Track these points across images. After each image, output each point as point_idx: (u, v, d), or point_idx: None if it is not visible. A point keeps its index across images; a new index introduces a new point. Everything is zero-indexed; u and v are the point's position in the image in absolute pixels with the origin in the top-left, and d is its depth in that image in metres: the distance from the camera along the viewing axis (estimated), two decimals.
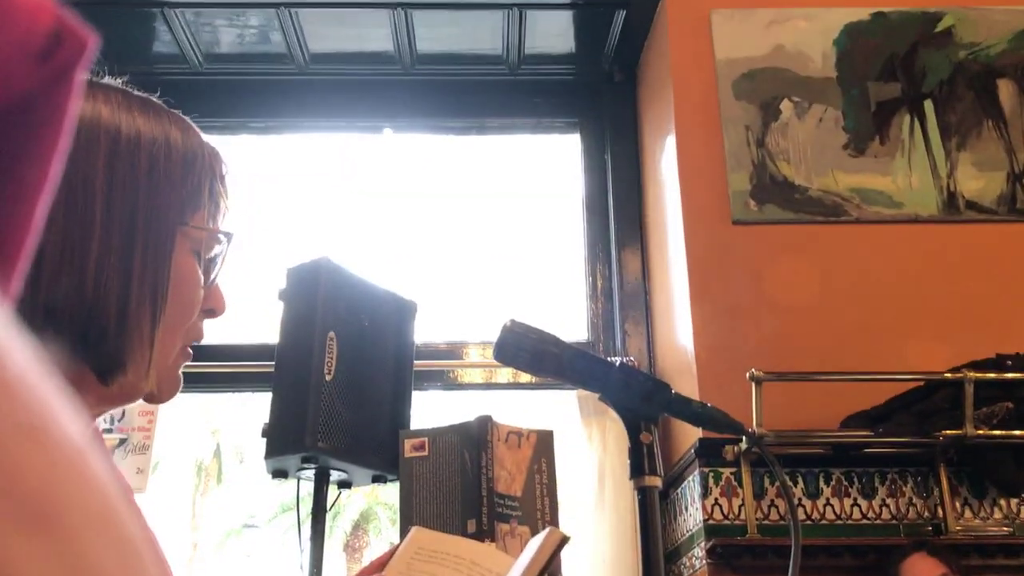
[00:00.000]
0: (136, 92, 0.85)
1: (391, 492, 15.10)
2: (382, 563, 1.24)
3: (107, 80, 0.85)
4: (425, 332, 2.26)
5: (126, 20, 2.58)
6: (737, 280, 2.13)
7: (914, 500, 1.92)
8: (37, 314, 0.74)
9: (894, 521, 1.91)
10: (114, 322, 0.76)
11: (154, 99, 0.85)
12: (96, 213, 0.77)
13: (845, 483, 1.94)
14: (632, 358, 2.43)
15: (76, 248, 0.75)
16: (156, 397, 0.84)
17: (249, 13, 2.57)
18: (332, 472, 1.81)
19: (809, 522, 1.90)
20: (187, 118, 0.87)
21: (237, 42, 2.68)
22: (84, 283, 0.75)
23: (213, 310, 0.88)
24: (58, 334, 0.75)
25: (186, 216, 0.82)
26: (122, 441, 2.28)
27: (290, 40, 2.64)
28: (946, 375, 1.85)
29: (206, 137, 0.88)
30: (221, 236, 0.86)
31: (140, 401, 0.85)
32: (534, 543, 1.15)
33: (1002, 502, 1.93)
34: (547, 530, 1.14)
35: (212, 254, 0.86)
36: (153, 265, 0.79)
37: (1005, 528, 1.89)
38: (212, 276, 0.87)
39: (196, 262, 0.84)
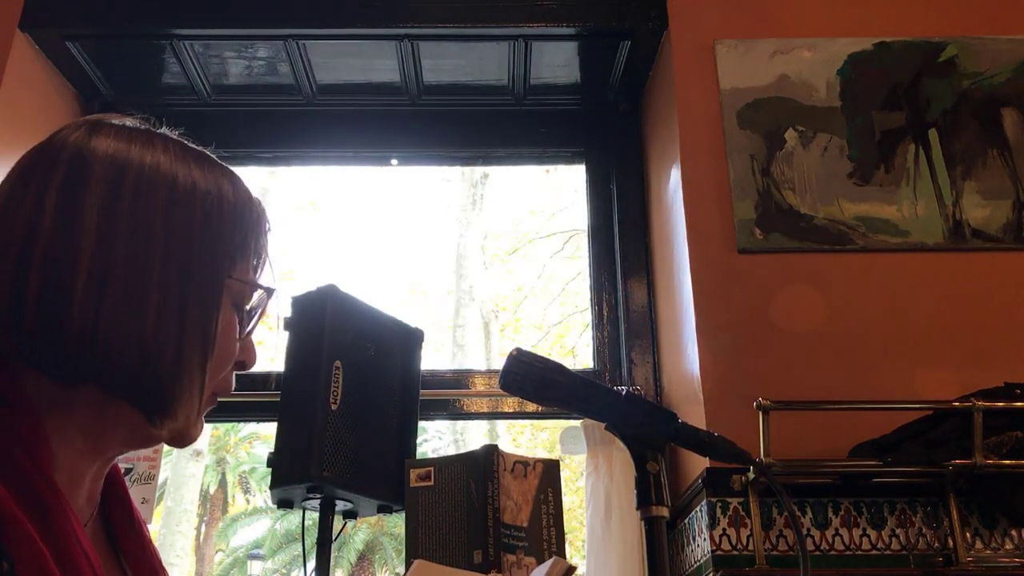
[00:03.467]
0: (191, 144, 0.87)
1: (397, 522, 15.02)
2: None
3: (164, 130, 0.87)
4: (431, 360, 2.26)
5: (136, 52, 2.62)
6: (743, 309, 2.13)
7: (924, 530, 1.91)
8: (97, 353, 0.75)
9: (904, 552, 1.89)
10: (170, 369, 0.78)
11: (208, 152, 0.87)
12: (156, 260, 0.78)
13: (854, 513, 1.92)
14: (638, 387, 2.43)
15: (137, 293, 0.76)
16: (180, 444, 0.85)
17: (257, 45, 2.60)
18: (337, 502, 1.81)
19: (818, 552, 1.88)
20: (237, 173, 0.88)
21: (245, 73, 2.71)
22: (144, 328, 0.76)
23: (244, 363, 0.90)
24: (113, 374, 0.76)
25: (232, 268, 0.84)
26: (127, 471, 2.28)
27: (298, 71, 2.67)
28: (955, 404, 1.84)
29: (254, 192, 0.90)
30: (263, 291, 0.88)
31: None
32: (539, 572, 1.15)
33: (1013, 532, 1.91)
34: (552, 560, 1.14)
35: (249, 307, 0.88)
36: (204, 314, 0.80)
37: (1017, 559, 1.87)
38: (248, 329, 0.88)
39: (235, 314, 0.85)
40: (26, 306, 0.74)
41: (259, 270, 0.88)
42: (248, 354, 0.89)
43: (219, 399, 0.88)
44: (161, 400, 0.78)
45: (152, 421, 0.79)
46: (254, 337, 0.91)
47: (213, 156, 0.88)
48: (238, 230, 0.84)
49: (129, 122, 0.86)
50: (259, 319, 0.89)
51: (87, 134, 0.82)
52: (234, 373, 0.89)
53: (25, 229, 0.76)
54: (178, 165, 0.82)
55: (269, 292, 0.88)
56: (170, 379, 0.77)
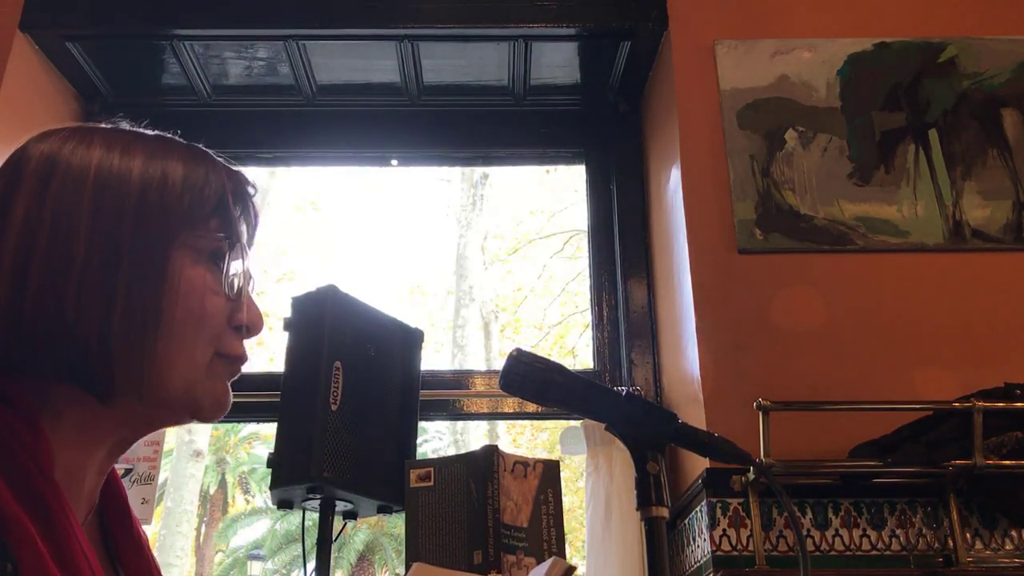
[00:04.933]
0: (146, 130, 0.87)
1: (397, 523, 15.02)
2: None
3: (124, 124, 0.88)
4: (431, 361, 2.26)
5: (136, 52, 2.62)
6: (743, 309, 2.13)
7: (924, 531, 1.91)
8: (23, 340, 0.77)
9: (904, 552, 1.89)
10: (95, 344, 0.78)
11: (166, 135, 0.88)
12: (80, 244, 0.79)
13: (854, 513, 1.92)
14: (638, 387, 2.43)
15: (58, 278, 0.78)
16: (199, 413, 0.85)
17: (257, 45, 2.60)
18: (338, 502, 1.81)
19: (818, 553, 1.88)
20: (200, 147, 0.89)
21: (245, 74, 2.71)
22: (64, 310, 0.77)
23: (246, 327, 0.88)
24: (44, 359, 0.77)
25: (185, 233, 0.84)
26: (127, 471, 2.28)
27: (298, 72, 2.67)
28: (955, 404, 1.84)
29: (223, 160, 0.90)
30: (223, 240, 0.86)
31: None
32: (539, 572, 1.15)
33: (1013, 533, 1.91)
34: (552, 560, 1.14)
35: (232, 266, 0.87)
36: (140, 285, 0.80)
37: (1017, 560, 1.87)
38: (236, 288, 0.87)
39: (207, 271, 0.85)
40: None
41: (234, 229, 0.87)
42: (249, 316, 0.88)
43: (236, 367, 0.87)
44: (94, 375, 0.78)
45: (99, 397, 0.79)
46: (253, 299, 0.89)
47: (170, 137, 0.88)
48: (187, 198, 0.84)
49: (87, 125, 0.87)
50: (246, 278, 0.88)
51: (34, 141, 0.85)
52: (238, 337, 0.87)
53: None
54: (115, 155, 0.83)
55: (231, 244, 0.87)
56: (97, 353, 0.77)
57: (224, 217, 0.86)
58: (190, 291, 0.83)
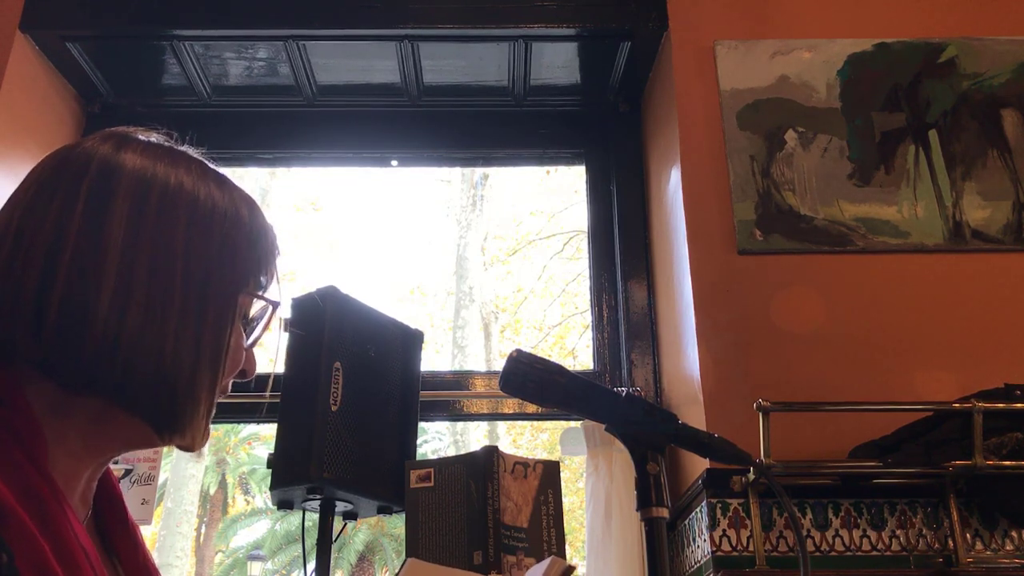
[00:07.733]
0: (211, 165, 0.89)
1: (397, 523, 15.02)
2: None
3: (186, 148, 0.89)
4: (431, 362, 2.26)
5: (136, 53, 2.61)
6: (743, 310, 2.13)
7: (924, 532, 1.91)
8: (116, 366, 0.76)
9: (904, 553, 1.89)
10: (184, 387, 0.79)
11: (226, 175, 0.89)
12: (176, 278, 0.80)
13: (854, 514, 1.92)
14: (638, 388, 2.43)
15: (158, 311, 0.78)
16: (187, 450, 0.87)
17: (258, 46, 2.60)
18: (338, 503, 1.81)
19: (818, 553, 1.88)
20: (253, 198, 0.91)
21: (245, 74, 2.71)
22: (164, 345, 0.78)
23: (244, 372, 0.92)
24: (129, 389, 0.78)
25: (245, 287, 0.86)
26: (127, 472, 2.28)
27: (298, 72, 2.67)
28: (955, 405, 1.84)
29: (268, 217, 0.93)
30: (269, 305, 0.90)
31: None
32: (537, 571, 1.14)
33: (1013, 533, 1.91)
34: (550, 559, 1.14)
35: (253, 317, 0.91)
36: (217, 332, 0.82)
37: (1017, 560, 1.87)
38: (252, 340, 0.91)
39: (243, 328, 0.88)
40: (49, 312, 0.75)
41: (267, 288, 0.90)
42: (249, 364, 0.90)
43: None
44: (172, 417, 0.80)
45: (161, 435, 0.81)
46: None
47: (230, 179, 0.90)
48: (252, 251, 0.86)
49: (155, 138, 0.88)
50: (263, 331, 0.90)
51: (115, 147, 0.83)
52: (233, 380, 0.90)
53: (52, 235, 0.77)
54: (199, 185, 0.84)
55: (274, 305, 0.90)
56: (183, 397, 0.79)
57: (265, 278, 0.89)
58: (236, 346, 0.86)
